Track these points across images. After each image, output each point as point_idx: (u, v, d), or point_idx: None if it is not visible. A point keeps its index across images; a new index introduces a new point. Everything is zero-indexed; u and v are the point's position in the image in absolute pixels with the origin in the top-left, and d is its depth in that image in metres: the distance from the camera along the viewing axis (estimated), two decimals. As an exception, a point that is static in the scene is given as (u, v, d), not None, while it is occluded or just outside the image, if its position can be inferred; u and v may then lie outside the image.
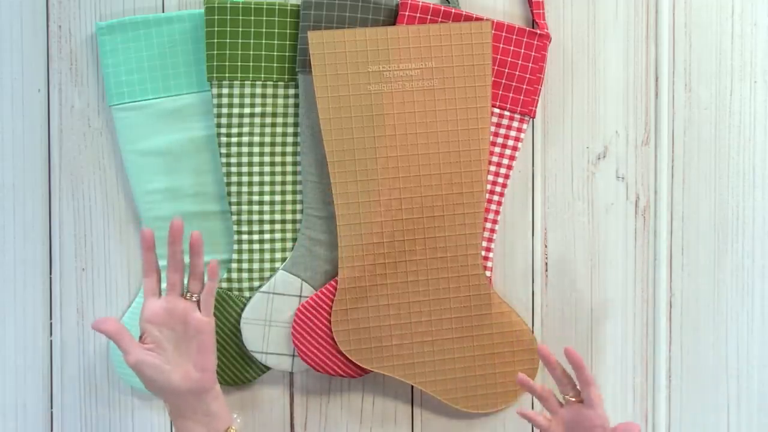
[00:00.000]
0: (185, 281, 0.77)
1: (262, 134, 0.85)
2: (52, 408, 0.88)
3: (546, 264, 0.91)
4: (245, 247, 0.85)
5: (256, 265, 0.86)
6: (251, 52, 0.83)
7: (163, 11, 0.86)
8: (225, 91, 0.83)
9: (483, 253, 0.88)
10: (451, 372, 0.86)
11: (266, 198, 0.85)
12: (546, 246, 0.91)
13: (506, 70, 0.86)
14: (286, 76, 0.84)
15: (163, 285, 0.86)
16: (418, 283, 0.85)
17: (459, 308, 0.86)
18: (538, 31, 0.86)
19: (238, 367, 0.86)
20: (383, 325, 0.85)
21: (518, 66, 0.86)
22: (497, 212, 0.88)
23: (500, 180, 0.88)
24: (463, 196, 0.85)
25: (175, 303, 0.75)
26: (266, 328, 0.85)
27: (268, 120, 0.85)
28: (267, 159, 0.85)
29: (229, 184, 0.84)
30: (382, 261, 0.84)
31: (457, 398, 0.87)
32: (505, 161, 0.88)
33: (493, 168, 0.87)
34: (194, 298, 0.76)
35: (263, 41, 0.83)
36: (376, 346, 0.85)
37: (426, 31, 0.83)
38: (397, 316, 0.85)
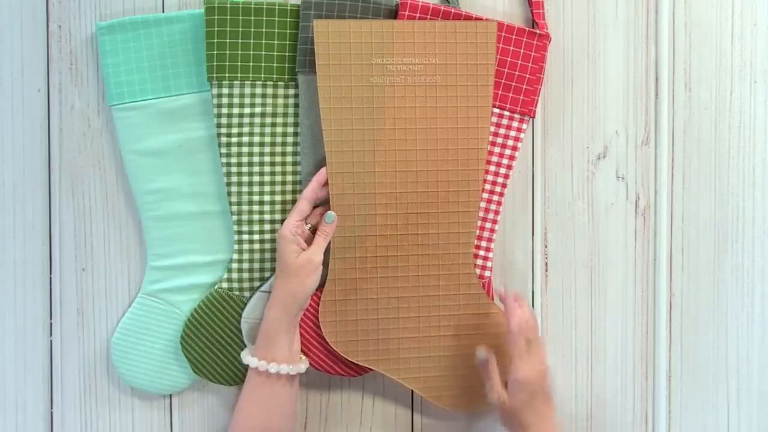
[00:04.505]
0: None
1: (262, 134, 0.85)
2: (52, 408, 0.88)
3: (546, 264, 0.91)
4: (245, 247, 0.85)
5: (256, 265, 0.86)
6: (251, 52, 0.83)
7: (163, 11, 0.86)
8: (225, 91, 0.83)
9: (483, 253, 0.88)
10: (435, 370, 0.86)
11: (266, 198, 0.85)
12: (546, 246, 0.91)
13: (506, 70, 0.86)
14: (286, 76, 0.84)
15: (159, 285, 0.86)
16: (408, 279, 0.85)
17: (447, 306, 0.86)
18: (538, 31, 0.86)
19: (238, 366, 0.86)
20: (370, 319, 0.85)
21: (518, 66, 0.86)
22: (497, 212, 0.88)
23: (500, 180, 0.88)
24: (458, 194, 0.85)
25: (303, 227, 0.83)
26: (266, 328, 0.85)
27: (268, 120, 0.85)
28: (267, 159, 0.85)
29: (229, 184, 0.84)
30: (373, 254, 0.85)
31: (438, 396, 0.87)
32: (505, 161, 0.88)
33: (492, 168, 0.87)
34: (308, 227, 0.83)
35: (263, 41, 0.83)
36: (362, 339, 0.85)
37: (431, 27, 0.83)
38: (385, 310, 0.85)
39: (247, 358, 0.81)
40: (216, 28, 0.82)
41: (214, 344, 0.85)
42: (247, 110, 0.84)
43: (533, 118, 0.88)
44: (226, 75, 0.83)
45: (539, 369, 0.80)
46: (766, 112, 0.92)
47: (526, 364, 0.79)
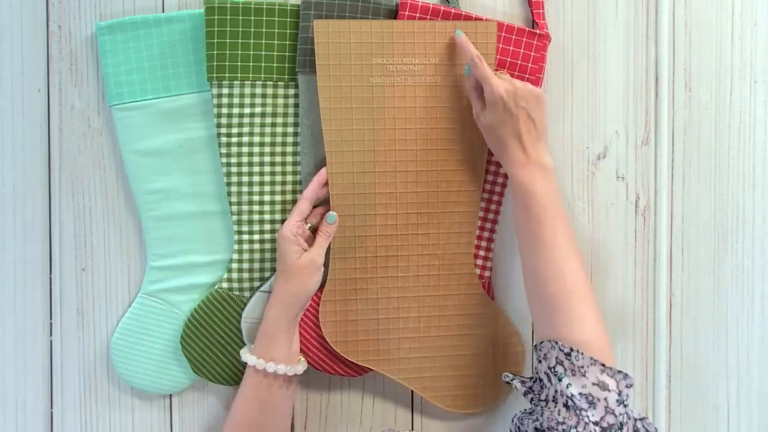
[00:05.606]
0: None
1: (262, 134, 0.85)
2: (52, 408, 0.88)
3: (546, 264, 0.91)
4: (245, 247, 0.85)
5: (256, 265, 0.86)
6: (251, 52, 0.83)
7: (163, 11, 0.86)
8: (225, 91, 0.83)
9: (483, 253, 0.88)
10: (435, 370, 0.87)
11: (266, 198, 0.85)
12: (546, 246, 0.91)
13: (506, 70, 0.86)
14: (286, 76, 0.84)
15: (159, 285, 0.86)
16: (408, 279, 0.85)
17: (448, 306, 0.86)
18: (538, 31, 0.86)
19: (238, 366, 0.86)
20: (370, 319, 0.85)
21: (518, 66, 0.86)
22: (497, 212, 0.88)
23: (500, 180, 0.88)
24: (458, 194, 0.85)
25: (303, 227, 0.83)
26: (266, 328, 0.85)
27: (268, 120, 0.85)
28: (267, 159, 0.85)
29: (229, 184, 0.84)
30: (373, 254, 0.85)
31: (438, 396, 0.87)
32: (505, 161, 0.87)
33: (493, 168, 0.87)
34: (308, 227, 0.83)
35: (263, 41, 0.83)
36: (362, 339, 0.85)
37: (431, 27, 0.83)
38: (385, 310, 0.85)
39: (246, 356, 0.81)
40: (216, 28, 0.82)
41: (214, 344, 0.85)
42: (247, 110, 0.84)
43: (533, 118, 0.88)
44: (226, 75, 0.83)
45: (512, 87, 0.78)
46: (766, 112, 0.92)
47: (495, 84, 0.78)
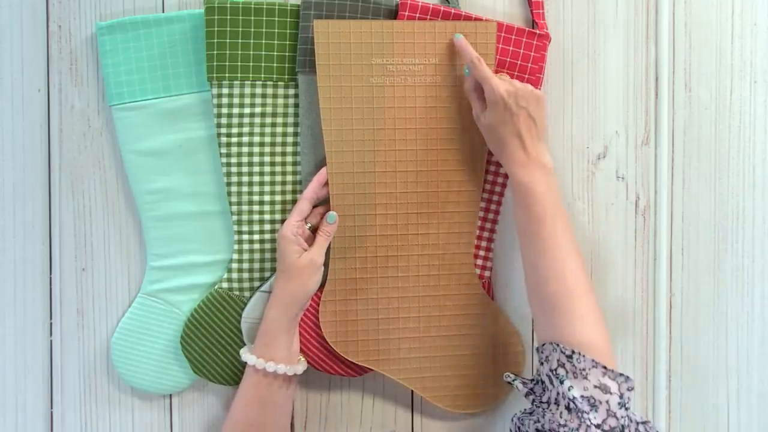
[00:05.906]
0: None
1: (262, 134, 0.85)
2: (52, 408, 0.88)
3: (546, 264, 0.91)
4: (245, 247, 0.85)
5: (256, 265, 0.86)
6: (251, 52, 0.83)
7: (163, 11, 0.86)
8: (225, 91, 0.83)
9: (483, 253, 0.88)
10: (436, 370, 0.87)
11: (266, 198, 0.85)
12: (546, 246, 0.91)
13: (506, 71, 0.86)
14: (286, 76, 0.84)
15: (159, 285, 0.86)
16: (408, 279, 0.85)
17: (448, 306, 0.86)
18: (538, 31, 0.86)
19: (238, 366, 0.86)
20: (370, 319, 0.85)
21: (518, 66, 0.86)
22: (497, 212, 0.88)
23: (500, 180, 0.88)
24: (458, 194, 0.85)
25: (303, 227, 0.83)
26: (266, 328, 0.85)
27: (268, 120, 0.85)
28: (267, 159, 0.85)
29: (229, 184, 0.84)
30: (373, 254, 0.85)
31: (438, 396, 0.87)
32: (505, 161, 0.87)
33: (492, 168, 0.88)
34: (308, 227, 0.83)
35: (263, 41, 0.83)
36: (362, 339, 0.85)
37: (431, 27, 0.83)
38: (385, 310, 0.85)
39: (245, 355, 0.81)
40: (216, 28, 0.82)
41: (214, 344, 0.85)
42: (247, 110, 0.84)
43: (533, 118, 0.88)
44: (226, 75, 0.83)
45: (512, 87, 0.79)
46: (766, 112, 0.92)
47: (495, 84, 0.78)
